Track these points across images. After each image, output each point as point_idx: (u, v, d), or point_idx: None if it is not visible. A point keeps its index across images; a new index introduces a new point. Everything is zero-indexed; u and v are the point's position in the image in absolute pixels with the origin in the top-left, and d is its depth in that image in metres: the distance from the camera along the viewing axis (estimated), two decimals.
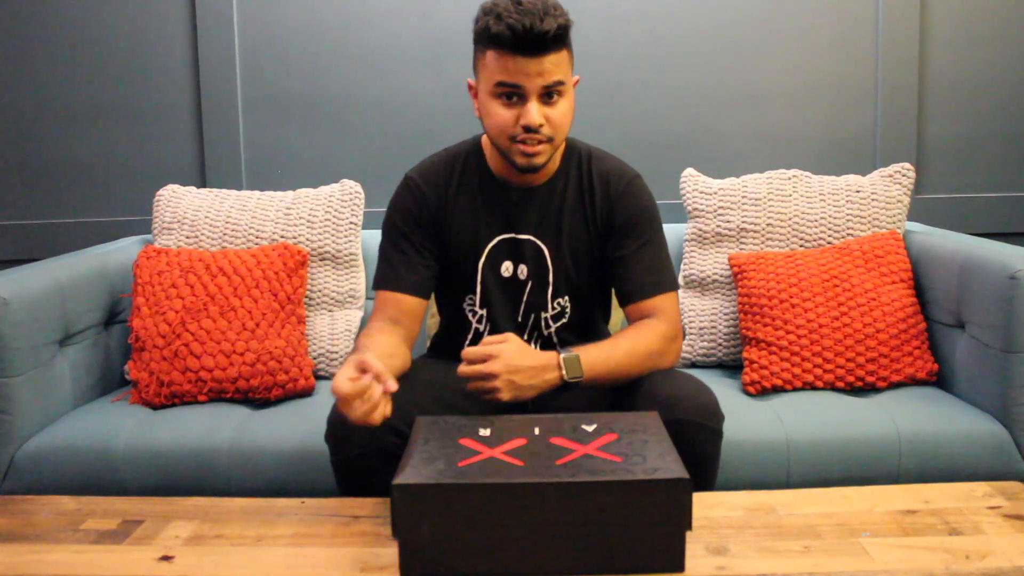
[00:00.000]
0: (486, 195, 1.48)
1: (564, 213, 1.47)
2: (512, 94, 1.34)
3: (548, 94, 1.34)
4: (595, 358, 1.32)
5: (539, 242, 1.47)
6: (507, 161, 1.40)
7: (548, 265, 1.48)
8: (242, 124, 2.33)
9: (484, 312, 1.50)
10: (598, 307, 1.58)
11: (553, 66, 1.32)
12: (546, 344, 1.52)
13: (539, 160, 1.38)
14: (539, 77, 1.32)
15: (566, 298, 1.50)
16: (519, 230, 1.48)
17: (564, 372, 1.30)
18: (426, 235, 1.48)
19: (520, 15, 1.27)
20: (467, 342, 1.53)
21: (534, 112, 1.33)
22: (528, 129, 1.34)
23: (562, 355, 1.31)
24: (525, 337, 1.51)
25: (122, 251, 2.00)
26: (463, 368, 1.27)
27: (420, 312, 1.47)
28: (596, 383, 1.33)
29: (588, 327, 1.55)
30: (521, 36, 1.28)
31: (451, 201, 1.48)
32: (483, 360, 1.26)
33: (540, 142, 1.36)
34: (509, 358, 1.27)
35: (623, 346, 1.36)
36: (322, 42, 2.30)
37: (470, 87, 1.43)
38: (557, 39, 1.30)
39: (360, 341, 1.37)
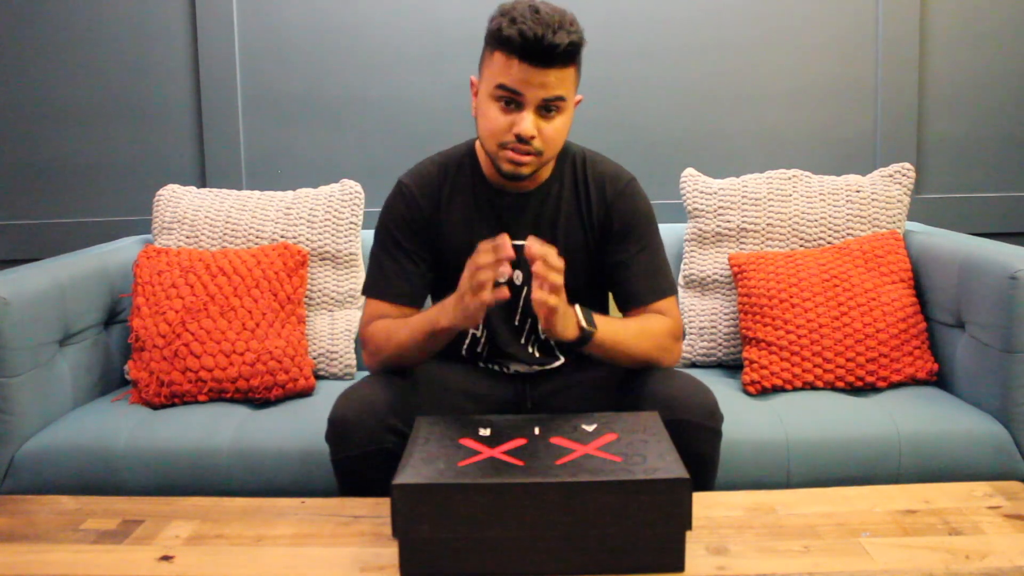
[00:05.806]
0: (479, 201, 1.46)
1: (559, 218, 1.45)
2: (511, 100, 1.31)
3: (547, 107, 1.32)
4: (607, 323, 1.33)
5: None
6: (494, 165, 1.39)
7: None
8: (242, 124, 2.33)
9: None
10: (598, 310, 1.56)
11: (557, 80, 1.30)
12: (544, 348, 1.52)
13: (525, 170, 1.36)
14: (540, 89, 1.29)
15: None
16: (513, 236, 1.44)
17: (582, 320, 1.28)
18: (420, 241, 1.45)
19: (534, 23, 1.25)
20: (465, 346, 1.52)
21: (528, 122, 1.31)
22: (520, 139, 1.32)
23: (577, 307, 1.30)
24: (523, 342, 1.51)
25: (122, 251, 2.00)
26: (536, 249, 1.20)
27: None
28: (604, 352, 1.33)
29: None
30: (531, 44, 1.26)
31: (444, 207, 1.46)
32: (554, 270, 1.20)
33: (529, 153, 1.34)
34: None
35: (634, 326, 1.38)
36: (322, 42, 2.30)
37: (472, 84, 1.41)
38: (566, 55, 1.28)
39: (384, 325, 1.39)
